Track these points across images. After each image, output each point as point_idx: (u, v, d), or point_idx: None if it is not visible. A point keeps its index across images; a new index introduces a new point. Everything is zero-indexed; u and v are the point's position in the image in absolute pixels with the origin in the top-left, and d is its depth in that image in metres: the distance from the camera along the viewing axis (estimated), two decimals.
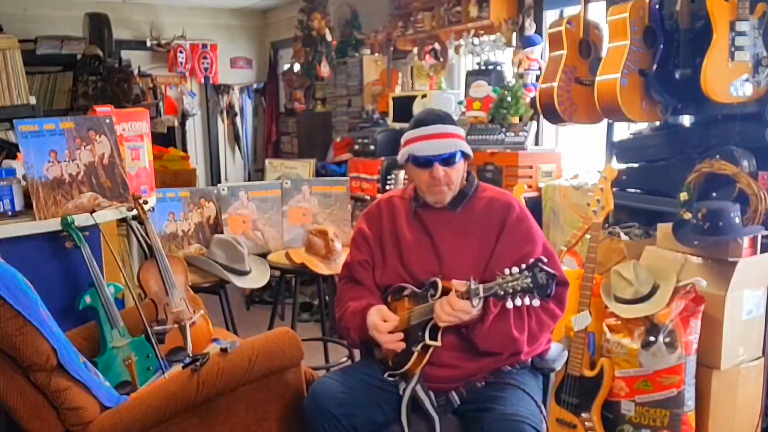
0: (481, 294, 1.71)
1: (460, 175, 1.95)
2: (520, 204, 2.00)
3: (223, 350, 1.86)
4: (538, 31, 3.93)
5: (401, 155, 1.96)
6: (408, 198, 2.05)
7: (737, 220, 2.35)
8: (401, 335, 1.86)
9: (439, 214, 1.98)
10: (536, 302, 1.66)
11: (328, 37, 5.76)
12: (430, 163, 1.89)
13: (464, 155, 1.94)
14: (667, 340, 2.32)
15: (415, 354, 1.84)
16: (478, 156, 3.81)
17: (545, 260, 1.65)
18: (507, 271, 1.68)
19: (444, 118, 1.96)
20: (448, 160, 1.89)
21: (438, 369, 1.87)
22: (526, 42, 3.91)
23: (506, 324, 1.81)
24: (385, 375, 1.91)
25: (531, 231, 1.94)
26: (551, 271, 1.64)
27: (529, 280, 1.64)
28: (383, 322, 1.87)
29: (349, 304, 1.99)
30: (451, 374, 1.88)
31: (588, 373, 2.49)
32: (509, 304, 1.67)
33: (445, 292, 1.80)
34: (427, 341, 1.81)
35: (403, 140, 1.98)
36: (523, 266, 1.66)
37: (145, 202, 2.49)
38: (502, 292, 1.67)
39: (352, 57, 5.57)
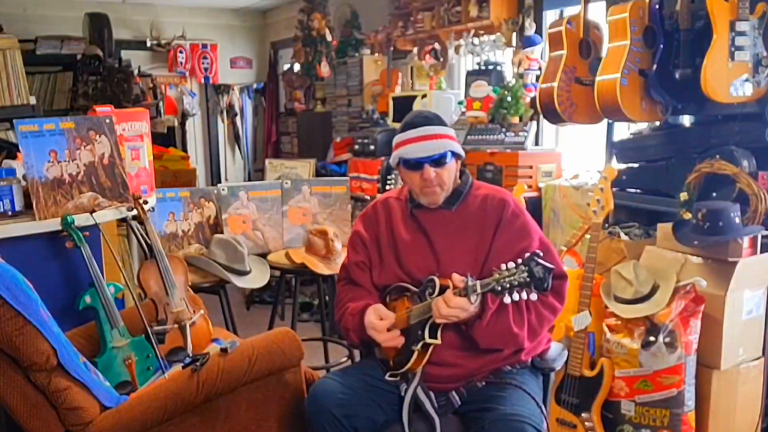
0: (479, 290, 1.70)
1: (452, 175, 1.94)
2: (515, 199, 2.00)
3: (223, 350, 1.86)
4: (538, 31, 3.93)
5: (393, 158, 1.97)
6: (404, 199, 2.06)
7: (737, 220, 2.35)
8: (398, 332, 1.86)
9: (435, 214, 1.98)
10: (534, 296, 1.65)
11: (328, 37, 5.76)
12: (420, 165, 1.89)
13: (455, 155, 1.94)
14: (667, 340, 2.32)
15: (416, 353, 1.84)
16: (478, 156, 3.81)
17: (540, 254, 1.64)
18: (503, 266, 1.67)
19: (431, 119, 1.95)
20: (438, 161, 1.89)
21: (439, 368, 1.87)
22: (526, 42, 3.91)
23: (505, 320, 1.80)
24: (386, 376, 1.91)
25: (527, 226, 1.94)
26: (547, 264, 1.62)
27: (525, 274, 1.62)
28: (380, 321, 1.87)
29: (347, 305, 1.99)
30: (452, 373, 1.88)
31: (588, 373, 2.49)
32: (507, 299, 1.66)
33: (443, 289, 1.80)
34: (427, 339, 1.81)
35: (393, 143, 1.99)
36: (519, 261, 1.65)
37: (145, 202, 2.49)
38: (499, 288, 1.65)
39: (352, 57, 5.57)
